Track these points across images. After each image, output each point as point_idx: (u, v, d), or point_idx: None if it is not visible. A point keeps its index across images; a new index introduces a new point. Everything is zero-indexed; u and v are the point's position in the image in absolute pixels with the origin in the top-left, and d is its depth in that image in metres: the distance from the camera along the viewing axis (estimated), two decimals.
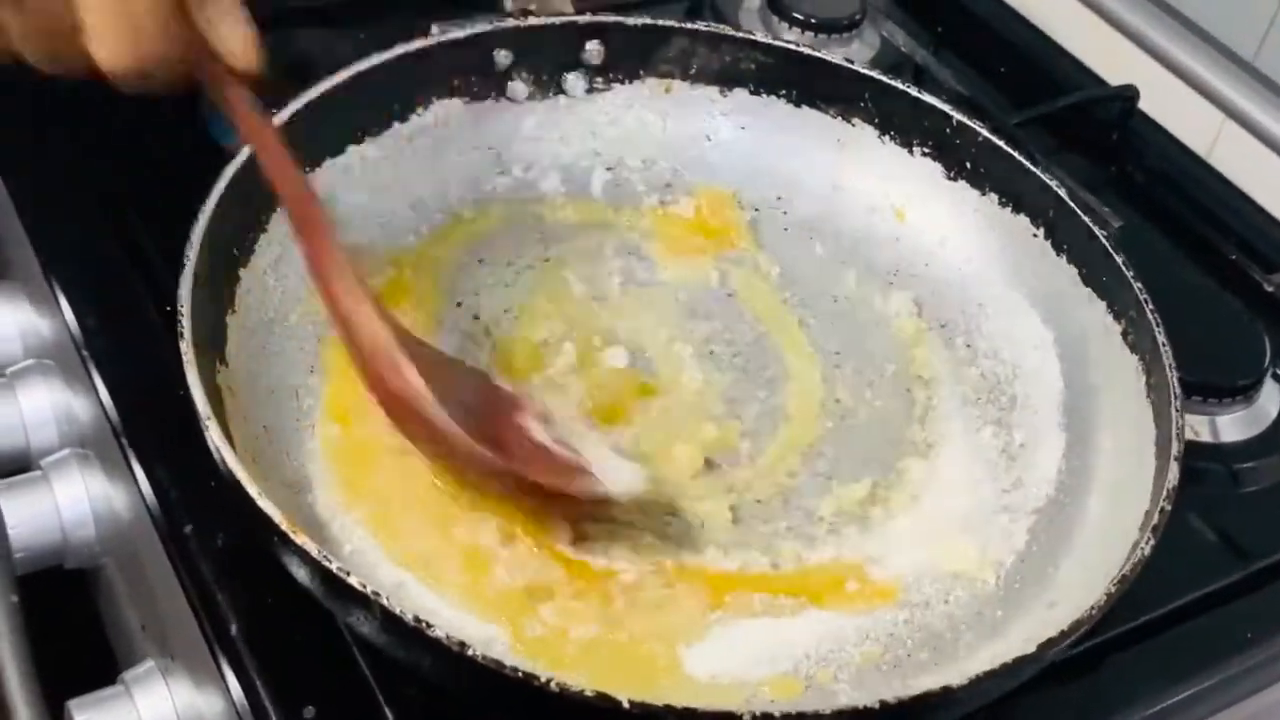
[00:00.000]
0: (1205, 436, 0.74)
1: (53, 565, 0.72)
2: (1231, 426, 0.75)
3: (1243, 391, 0.76)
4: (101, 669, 0.68)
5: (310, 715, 0.55)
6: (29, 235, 0.73)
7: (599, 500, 0.59)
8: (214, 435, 0.52)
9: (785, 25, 0.95)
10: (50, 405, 0.75)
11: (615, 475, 0.58)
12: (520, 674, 0.46)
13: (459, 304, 0.69)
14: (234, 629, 0.57)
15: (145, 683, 0.64)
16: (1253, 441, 0.75)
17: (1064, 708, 0.62)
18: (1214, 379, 0.75)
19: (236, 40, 0.53)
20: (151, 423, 0.65)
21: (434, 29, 0.75)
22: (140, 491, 0.63)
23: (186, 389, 0.65)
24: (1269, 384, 0.77)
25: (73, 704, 0.63)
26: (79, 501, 0.71)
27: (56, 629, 0.78)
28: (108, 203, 0.74)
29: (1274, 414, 0.77)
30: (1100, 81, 0.97)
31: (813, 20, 0.96)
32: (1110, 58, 0.97)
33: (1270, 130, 0.90)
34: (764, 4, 0.97)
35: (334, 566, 0.48)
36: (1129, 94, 0.93)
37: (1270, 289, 0.85)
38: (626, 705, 0.46)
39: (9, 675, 0.75)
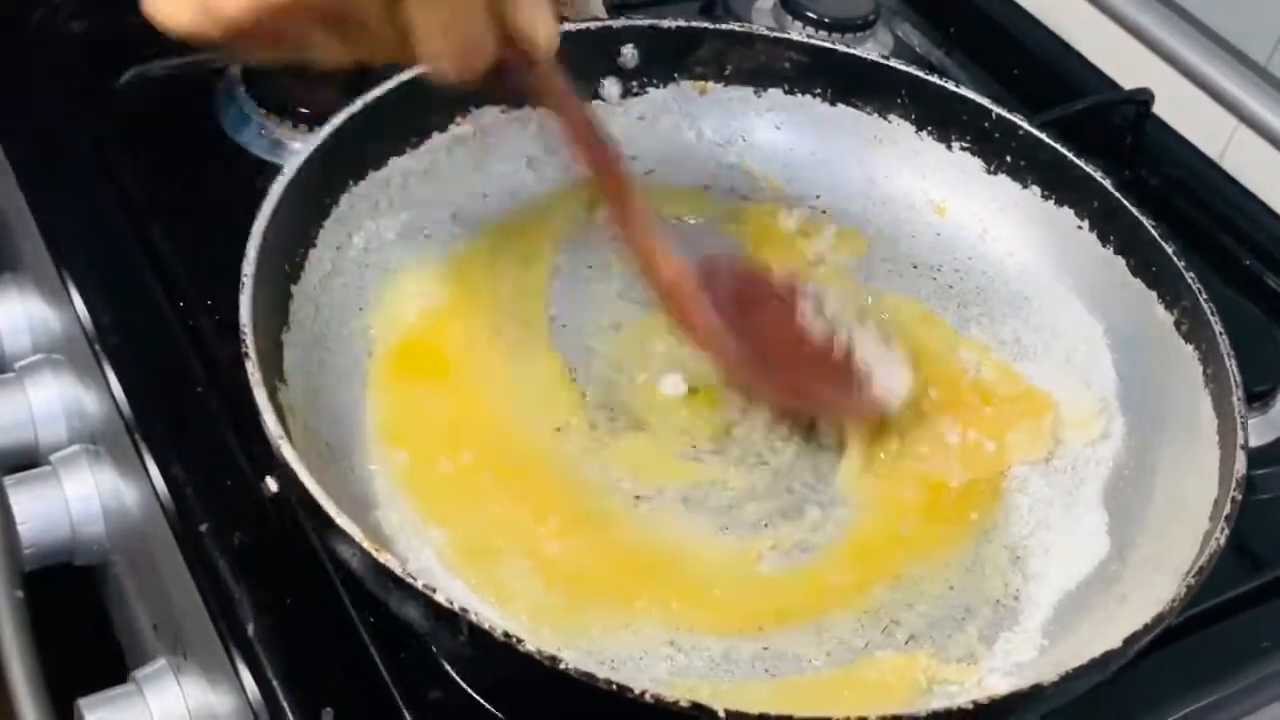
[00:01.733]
0: None
1: (62, 562, 0.72)
2: (1248, 433, 0.75)
3: (1259, 398, 0.75)
4: (110, 667, 0.68)
5: (329, 716, 0.54)
6: (41, 229, 0.73)
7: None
8: (287, 455, 0.51)
9: (799, 25, 0.95)
10: (60, 400, 0.74)
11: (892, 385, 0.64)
12: (615, 686, 0.46)
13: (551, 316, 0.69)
14: (251, 628, 0.57)
15: (157, 681, 0.64)
16: (1269, 448, 0.75)
17: (1080, 716, 0.61)
18: None
19: (544, 33, 0.57)
20: (166, 419, 0.65)
21: None
22: (154, 489, 0.63)
23: (203, 382, 0.66)
24: None
25: (83, 702, 0.63)
26: (89, 498, 0.71)
27: (65, 626, 0.78)
28: (122, 197, 0.74)
29: None
30: (1114, 85, 0.97)
31: (826, 20, 0.95)
32: (1124, 61, 0.97)
33: None
34: (777, 3, 0.97)
35: (419, 585, 0.48)
36: (1143, 98, 0.93)
37: None
38: (723, 715, 0.46)
39: (15, 673, 0.74)
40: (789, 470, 0.64)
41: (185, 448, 0.63)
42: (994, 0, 1.03)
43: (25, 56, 0.81)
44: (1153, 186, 0.91)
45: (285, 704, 0.55)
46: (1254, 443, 0.74)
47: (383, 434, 0.61)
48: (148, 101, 0.81)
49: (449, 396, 0.64)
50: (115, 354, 0.67)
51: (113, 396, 0.66)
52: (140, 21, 0.86)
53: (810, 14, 0.95)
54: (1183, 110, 0.94)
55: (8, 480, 0.70)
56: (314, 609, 0.57)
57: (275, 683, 0.55)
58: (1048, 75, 0.98)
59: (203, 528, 0.60)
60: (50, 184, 0.75)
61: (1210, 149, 0.94)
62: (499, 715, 0.56)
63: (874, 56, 0.76)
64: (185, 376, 0.66)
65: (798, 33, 0.94)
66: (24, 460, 0.73)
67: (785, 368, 0.65)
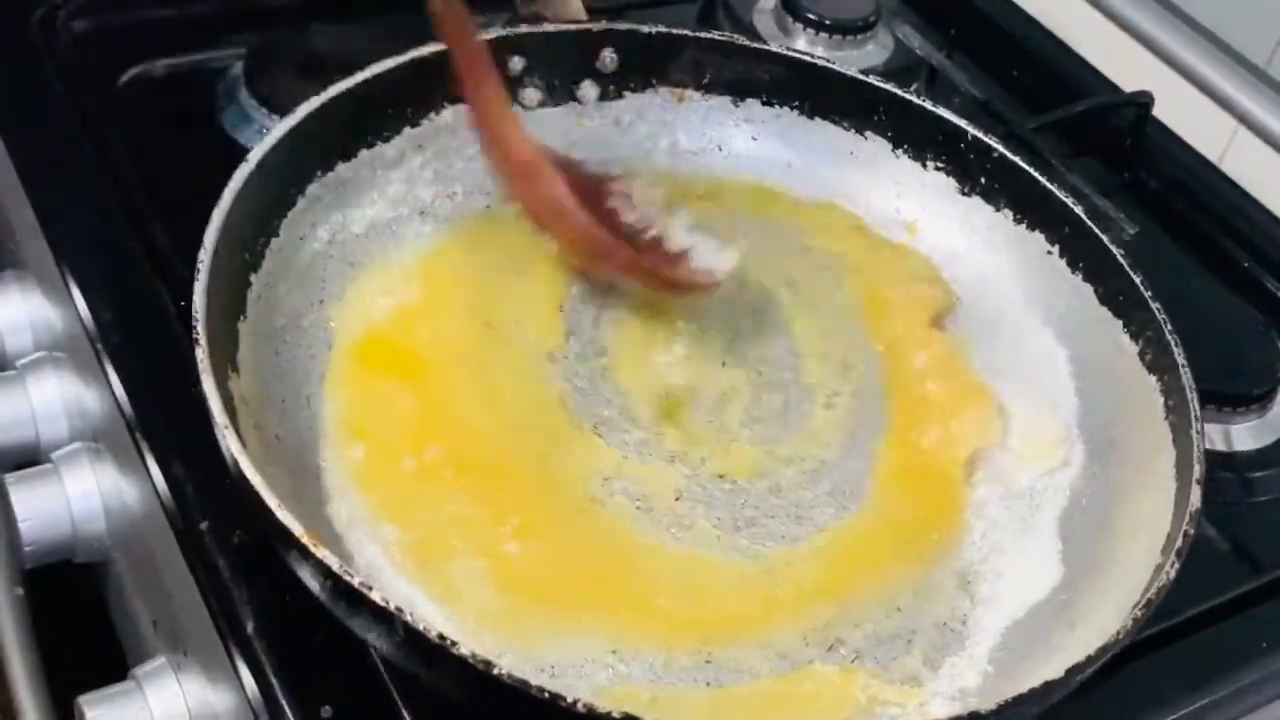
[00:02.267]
0: (1219, 445, 0.74)
1: (62, 559, 0.72)
2: (1245, 435, 0.75)
3: (1257, 400, 0.76)
4: (110, 665, 0.68)
5: (327, 715, 0.54)
6: (43, 227, 0.73)
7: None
8: (231, 445, 0.51)
9: (800, 27, 0.95)
10: (60, 398, 0.74)
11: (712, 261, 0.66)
12: (547, 694, 0.46)
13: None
14: (250, 626, 0.57)
15: (157, 679, 0.64)
16: (1267, 450, 0.75)
17: (1078, 716, 0.62)
18: (1228, 388, 0.75)
19: None
20: (166, 417, 0.65)
21: None
22: (154, 487, 0.63)
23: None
24: None
25: (83, 700, 0.63)
26: (89, 495, 0.71)
27: (65, 624, 0.78)
28: (123, 196, 0.74)
29: None
30: (1114, 88, 0.97)
31: (827, 22, 0.96)
32: (1124, 64, 0.97)
33: None
34: (778, 6, 0.97)
35: (355, 581, 0.48)
36: (1143, 100, 0.93)
37: None
38: None
39: (15, 670, 0.74)
40: (748, 485, 0.64)
41: (186, 446, 0.63)
42: (995, 2, 1.03)
43: (27, 56, 0.81)
44: (1152, 189, 0.91)
45: (284, 702, 0.55)
46: (1251, 445, 0.75)
47: (339, 428, 0.61)
48: (149, 101, 0.82)
49: (410, 392, 0.63)
50: (116, 352, 0.67)
51: (114, 394, 0.66)
52: (141, 21, 0.87)
53: (811, 15, 0.95)
54: (1182, 113, 0.94)
55: (9, 478, 0.70)
56: (313, 607, 0.57)
57: (274, 681, 0.55)
58: (1048, 77, 0.98)
59: (203, 526, 0.60)
60: (52, 182, 0.75)
61: (1210, 151, 0.94)
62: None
63: (852, 72, 0.76)
64: (186, 375, 0.65)
65: (800, 35, 0.95)
66: (25, 458, 0.73)
67: (618, 246, 0.67)
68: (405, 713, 0.55)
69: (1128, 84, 0.96)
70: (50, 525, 0.70)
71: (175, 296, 0.69)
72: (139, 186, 0.75)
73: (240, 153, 0.62)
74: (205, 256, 0.57)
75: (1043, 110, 0.92)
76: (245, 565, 0.59)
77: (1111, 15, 0.99)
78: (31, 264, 0.78)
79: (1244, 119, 0.93)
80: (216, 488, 0.61)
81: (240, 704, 0.57)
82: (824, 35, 0.95)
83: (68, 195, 0.74)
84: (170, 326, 0.68)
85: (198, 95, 0.81)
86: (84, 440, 0.73)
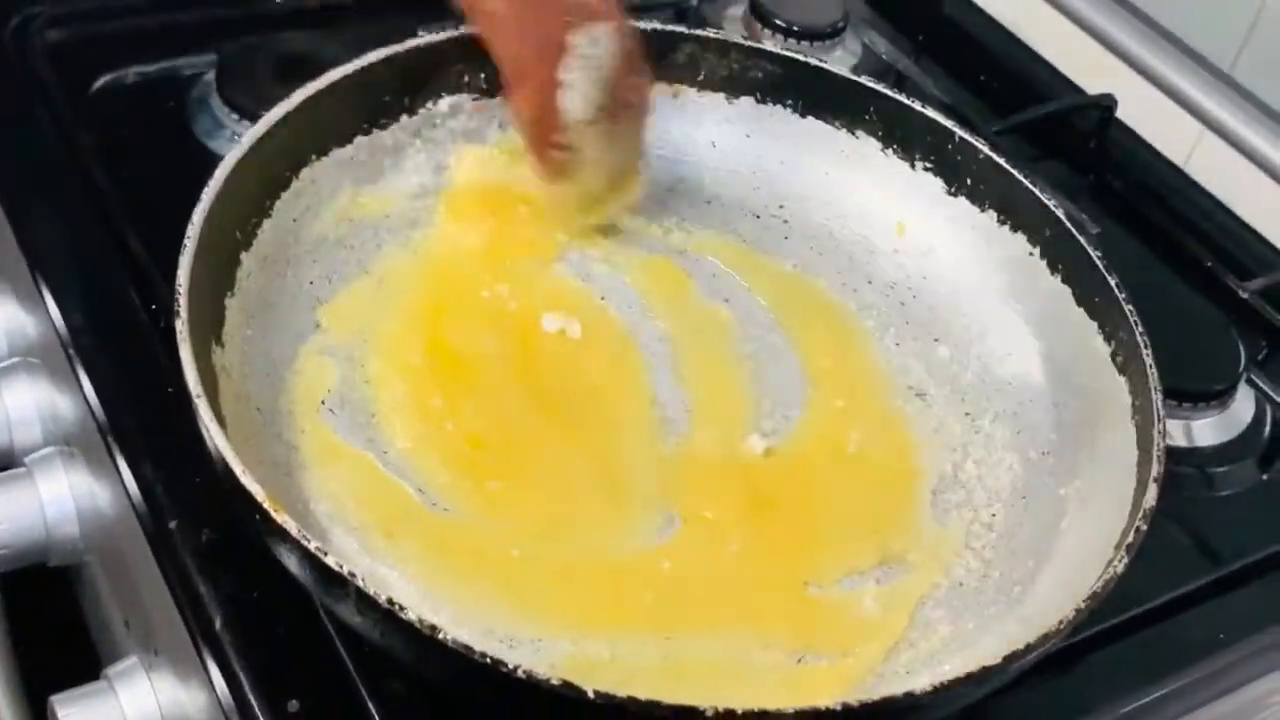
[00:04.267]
0: (1180, 441, 0.75)
1: (37, 563, 0.72)
2: (1206, 430, 0.76)
3: (1217, 396, 0.77)
4: (84, 666, 0.68)
5: (294, 709, 0.55)
6: (15, 233, 0.74)
7: None
8: (203, 412, 0.52)
9: (768, 32, 0.96)
10: (35, 403, 0.75)
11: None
12: (489, 659, 0.46)
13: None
14: (218, 623, 0.57)
15: (129, 678, 0.64)
16: (1227, 445, 0.76)
17: (1039, 707, 0.62)
18: (1190, 384, 0.76)
19: None
20: (137, 420, 0.65)
21: (419, 31, 0.75)
22: (125, 488, 0.63)
23: (175, 382, 0.66)
24: (1243, 389, 0.78)
25: (56, 699, 0.63)
26: (63, 499, 0.71)
27: (40, 627, 0.79)
28: (96, 202, 0.75)
29: (1248, 419, 0.78)
30: (1079, 90, 0.98)
31: (795, 28, 0.97)
32: (1089, 67, 0.98)
33: (1247, 140, 0.91)
34: (747, 11, 0.98)
35: (312, 546, 0.49)
36: (1107, 103, 0.94)
37: (1245, 296, 0.85)
38: (591, 696, 0.46)
39: None
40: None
41: (156, 447, 0.64)
42: (961, 7, 1.04)
43: (1, 64, 0.82)
44: (1116, 190, 0.92)
45: (251, 697, 0.55)
46: (1212, 441, 0.76)
47: (322, 400, 0.63)
48: (122, 108, 0.82)
49: (398, 372, 0.65)
50: (89, 357, 0.68)
51: (86, 399, 0.67)
52: (114, 29, 0.87)
53: (780, 22, 0.96)
54: (1147, 115, 0.95)
55: None
56: (280, 603, 0.57)
57: (242, 676, 0.56)
58: (1014, 81, 0.99)
59: (172, 525, 0.61)
60: (25, 189, 0.76)
61: (1175, 154, 0.95)
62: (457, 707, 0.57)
63: (845, 72, 0.77)
64: (157, 378, 0.66)
65: (768, 40, 0.96)
66: None
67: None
68: (371, 705, 0.56)
69: (1092, 87, 0.97)
70: (24, 529, 0.71)
71: (147, 301, 0.70)
72: (112, 192, 0.75)
73: (212, 158, 0.63)
74: (193, 231, 0.58)
75: (1008, 114, 0.93)
76: (212, 562, 0.59)
77: (1076, 19, 1.00)
78: (5, 270, 0.79)
79: (1208, 122, 0.93)
80: (185, 488, 0.62)
81: (210, 701, 0.58)
82: (792, 41, 0.96)
83: (40, 201, 0.75)
84: (143, 331, 0.69)
85: (170, 102, 0.82)
86: (57, 444, 0.73)
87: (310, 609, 0.57)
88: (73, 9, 0.86)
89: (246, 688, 0.56)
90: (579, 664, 0.56)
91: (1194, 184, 0.93)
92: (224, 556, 0.59)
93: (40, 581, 0.75)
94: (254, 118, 0.78)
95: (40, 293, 0.71)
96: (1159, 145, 0.95)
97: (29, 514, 0.71)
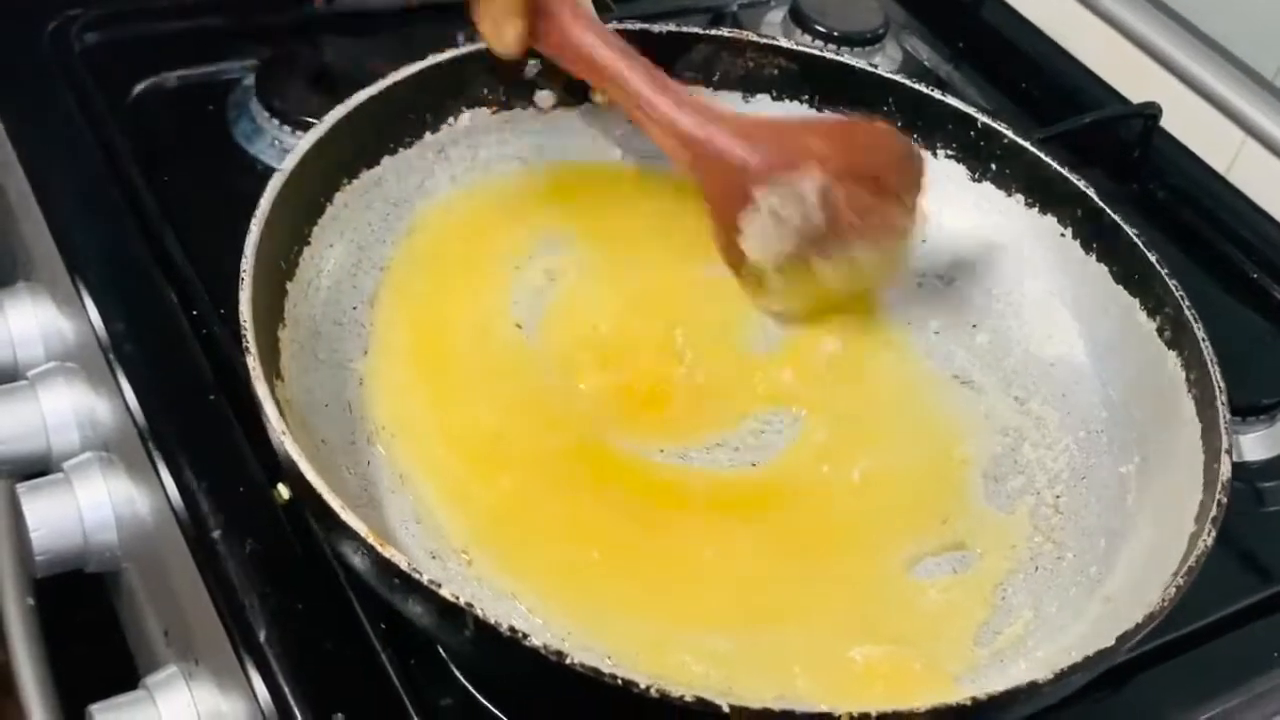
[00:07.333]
0: None
1: (74, 569, 0.72)
2: (1254, 446, 0.75)
3: (1265, 411, 0.76)
4: (122, 674, 0.68)
5: None
6: (55, 237, 0.73)
7: None
8: (290, 449, 0.51)
9: (808, 38, 0.96)
10: (72, 408, 0.75)
11: None
12: (620, 680, 0.46)
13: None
14: (262, 634, 0.57)
15: (168, 688, 0.64)
16: (1276, 461, 0.75)
17: None
18: (1236, 398, 0.74)
19: None
20: (179, 427, 0.65)
21: (459, 38, 0.75)
22: (166, 496, 0.63)
23: (216, 390, 0.66)
24: None
25: (95, 709, 0.63)
26: (101, 505, 0.71)
27: (76, 633, 0.79)
28: (135, 207, 0.74)
29: None
30: (1122, 99, 0.97)
31: (835, 33, 0.96)
32: (1132, 75, 0.98)
33: None
34: (786, 17, 0.98)
35: (425, 580, 0.48)
36: (1151, 112, 0.93)
37: None
38: (726, 710, 0.46)
39: (25, 679, 0.75)
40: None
41: (198, 455, 0.63)
42: (1002, 15, 1.04)
43: (40, 68, 0.82)
44: (1160, 200, 0.92)
45: (296, 709, 0.55)
46: (1260, 456, 0.75)
47: (382, 428, 0.62)
48: (161, 112, 0.82)
49: (446, 389, 0.65)
50: (128, 362, 0.68)
51: (125, 404, 0.67)
52: (153, 33, 0.87)
53: (820, 27, 0.96)
54: (1190, 124, 0.94)
55: (21, 488, 0.70)
56: (325, 614, 0.57)
57: (286, 688, 0.55)
58: (1055, 89, 0.98)
59: (215, 534, 0.60)
60: (65, 194, 0.75)
61: (1218, 163, 0.94)
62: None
63: (860, 63, 0.76)
64: (198, 384, 0.66)
65: (808, 47, 0.95)
66: (37, 468, 0.74)
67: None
68: (416, 718, 0.55)
69: (1135, 96, 0.96)
70: (62, 535, 0.70)
71: (187, 306, 0.70)
72: (151, 197, 0.75)
73: (251, 163, 0.63)
74: (247, 265, 0.57)
75: (1050, 122, 0.92)
76: (256, 573, 0.59)
77: (1119, 27, 0.99)
78: (44, 275, 0.78)
79: (1251, 131, 0.93)
80: (228, 497, 0.62)
81: (252, 712, 0.57)
82: (832, 47, 0.95)
83: (80, 206, 0.75)
84: (182, 336, 0.68)
85: (209, 107, 0.82)
86: (95, 450, 0.73)
87: (356, 620, 0.57)
88: (112, 11, 0.86)
89: (290, 700, 0.55)
90: (683, 671, 0.55)
91: (1238, 193, 0.92)
92: (268, 566, 0.59)
93: (77, 587, 0.75)
94: (294, 123, 0.79)
95: (80, 297, 0.71)
96: (1202, 154, 0.94)
97: (67, 520, 0.71)
